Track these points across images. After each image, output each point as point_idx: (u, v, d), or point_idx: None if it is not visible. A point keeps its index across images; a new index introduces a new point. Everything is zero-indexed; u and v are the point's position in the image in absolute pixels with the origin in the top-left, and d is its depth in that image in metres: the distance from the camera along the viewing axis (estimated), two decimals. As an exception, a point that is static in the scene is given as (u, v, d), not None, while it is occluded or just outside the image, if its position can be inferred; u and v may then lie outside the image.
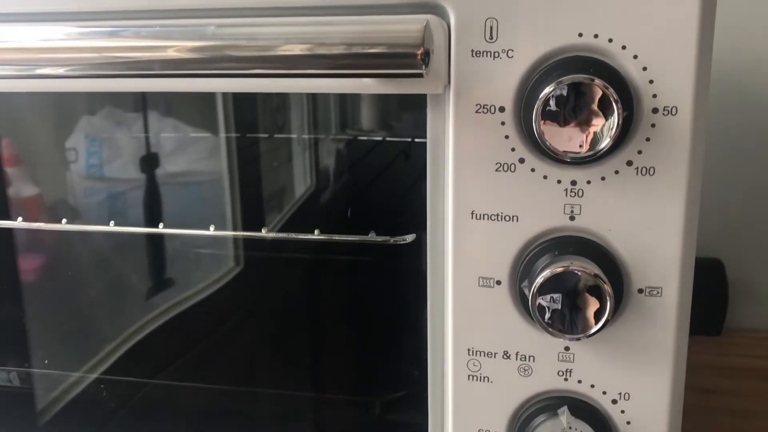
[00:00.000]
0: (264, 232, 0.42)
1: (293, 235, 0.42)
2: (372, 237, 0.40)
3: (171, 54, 0.32)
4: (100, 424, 0.48)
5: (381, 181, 0.48)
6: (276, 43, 0.30)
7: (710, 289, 0.72)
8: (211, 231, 0.45)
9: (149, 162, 0.50)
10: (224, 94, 0.48)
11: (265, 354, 0.48)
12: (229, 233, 0.49)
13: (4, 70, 0.35)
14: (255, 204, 0.50)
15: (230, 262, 0.51)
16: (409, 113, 0.45)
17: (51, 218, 0.52)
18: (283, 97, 0.48)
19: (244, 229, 0.49)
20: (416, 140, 0.40)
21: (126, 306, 0.52)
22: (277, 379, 0.47)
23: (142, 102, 0.50)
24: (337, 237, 0.41)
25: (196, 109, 0.50)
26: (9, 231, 0.52)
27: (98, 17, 0.37)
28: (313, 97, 0.47)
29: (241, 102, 0.49)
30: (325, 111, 0.48)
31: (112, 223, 0.47)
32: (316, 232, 0.41)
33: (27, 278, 0.53)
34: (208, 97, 0.48)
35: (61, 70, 0.35)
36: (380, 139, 0.47)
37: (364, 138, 0.47)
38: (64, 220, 0.49)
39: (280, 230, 0.46)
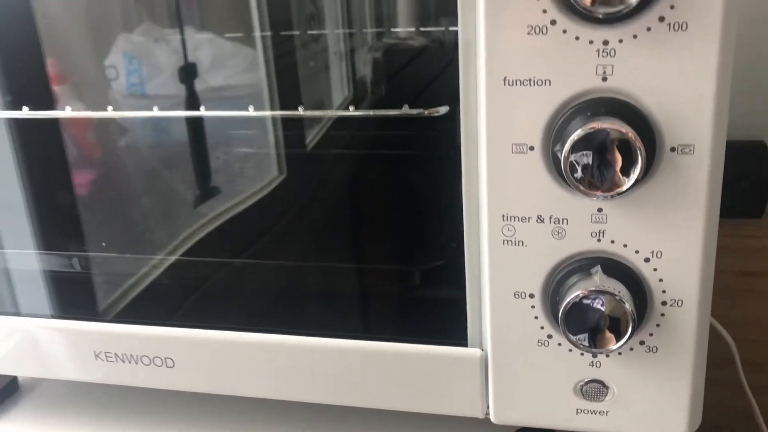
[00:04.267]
0: (301, 110, 0.43)
1: (334, 112, 0.43)
2: (406, 110, 0.41)
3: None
4: (171, 309, 0.51)
5: (415, 66, 0.48)
6: None
7: (753, 171, 0.72)
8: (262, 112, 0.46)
9: (189, 77, 0.51)
10: (259, 3, 0.48)
11: (313, 235, 0.50)
12: (273, 114, 0.49)
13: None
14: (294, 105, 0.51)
15: (279, 164, 0.52)
16: (439, 11, 0.45)
17: (97, 135, 0.53)
18: (316, 2, 0.48)
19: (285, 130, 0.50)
20: (450, 28, 0.40)
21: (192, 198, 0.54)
22: (325, 256, 0.49)
23: (177, 16, 0.50)
24: (372, 112, 0.42)
25: (231, 22, 0.51)
26: (61, 147, 0.54)
27: None
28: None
29: (276, 10, 0.49)
30: (360, 11, 0.48)
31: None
32: (351, 108, 0.42)
33: (83, 181, 0.56)
34: (243, 7, 0.48)
35: None
36: (413, 29, 0.47)
37: (399, 30, 0.47)
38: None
39: (324, 133, 0.47)
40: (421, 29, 0.46)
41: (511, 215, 0.38)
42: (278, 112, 0.47)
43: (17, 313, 0.52)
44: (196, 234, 0.52)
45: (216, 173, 0.53)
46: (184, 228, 0.52)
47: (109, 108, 0.50)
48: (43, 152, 0.54)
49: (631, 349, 0.39)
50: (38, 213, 0.54)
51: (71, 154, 0.54)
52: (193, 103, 0.50)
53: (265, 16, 0.48)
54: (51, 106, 0.52)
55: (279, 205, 0.51)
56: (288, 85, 0.49)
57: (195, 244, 0.51)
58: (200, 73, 0.50)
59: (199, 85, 0.50)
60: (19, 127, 0.52)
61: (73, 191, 0.55)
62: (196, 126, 0.50)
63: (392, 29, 0.46)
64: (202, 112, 0.47)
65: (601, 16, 0.33)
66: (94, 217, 0.55)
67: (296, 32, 0.49)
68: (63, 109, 0.51)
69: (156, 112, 0.48)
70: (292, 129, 0.50)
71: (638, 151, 0.33)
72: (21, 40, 0.51)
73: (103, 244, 0.52)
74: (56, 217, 0.55)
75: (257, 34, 0.49)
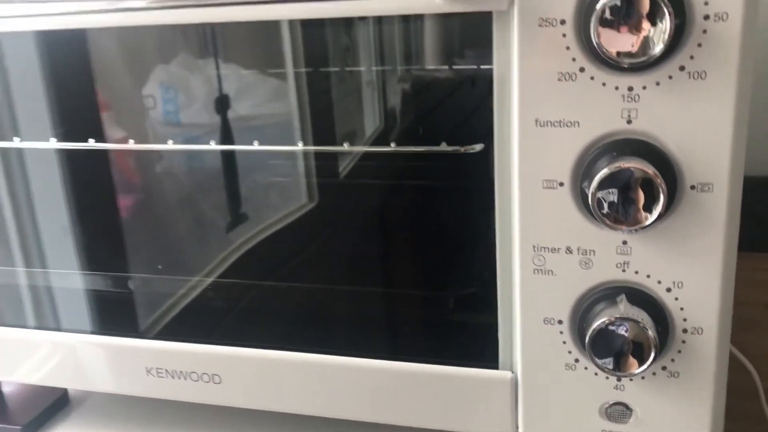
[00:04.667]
0: (346, 146, 0.47)
1: (373, 148, 0.47)
2: (443, 147, 0.44)
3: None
4: (209, 328, 0.54)
5: (448, 104, 0.51)
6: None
7: (773, 207, 0.74)
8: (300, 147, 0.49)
9: (222, 106, 0.54)
10: (293, 37, 0.51)
11: (348, 261, 0.53)
12: (308, 149, 0.53)
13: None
14: (328, 139, 0.54)
15: (310, 190, 0.55)
16: (471, 50, 0.48)
17: (137, 161, 0.57)
18: (350, 37, 0.51)
19: (318, 161, 0.53)
20: (482, 67, 0.43)
21: (227, 223, 0.57)
22: (361, 280, 0.52)
23: (213, 48, 0.54)
24: (412, 148, 0.45)
25: (264, 54, 0.54)
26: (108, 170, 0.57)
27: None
28: (380, 36, 0.50)
29: (310, 43, 0.52)
30: (390, 48, 0.51)
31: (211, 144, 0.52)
32: (393, 144, 0.45)
33: (126, 205, 0.59)
34: (276, 40, 0.52)
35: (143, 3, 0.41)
36: (446, 67, 0.50)
37: (431, 68, 0.50)
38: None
39: (356, 163, 0.50)
40: (454, 67, 0.49)
41: (541, 246, 0.41)
42: (317, 148, 0.50)
43: (71, 330, 0.56)
44: (234, 256, 0.55)
45: (247, 200, 0.56)
46: (220, 251, 0.55)
47: (148, 135, 0.54)
48: (88, 177, 0.58)
49: (654, 373, 0.41)
50: (85, 235, 0.58)
51: (114, 179, 0.58)
52: (226, 131, 0.53)
53: (299, 50, 0.52)
54: (99, 135, 0.55)
55: (312, 232, 0.55)
56: (321, 118, 0.53)
57: (236, 265, 0.55)
58: (232, 103, 0.53)
59: (231, 114, 0.54)
60: (67, 155, 0.56)
61: (118, 215, 0.58)
62: (228, 153, 0.54)
63: (425, 66, 0.49)
64: (250, 146, 0.51)
65: (626, 66, 0.36)
66: (138, 239, 0.58)
67: (332, 69, 0.53)
68: (104, 137, 0.55)
69: (200, 146, 0.51)
70: (325, 159, 0.53)
71: (660, 190, 0.36)
72: (76, 75, 0.55)
73: (159, 266, 0.55)
74: (103, 240, 0.59)
75: (289, 69, 0.52)
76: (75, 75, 0.56)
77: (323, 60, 0.52)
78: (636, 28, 0.34)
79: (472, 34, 0.46)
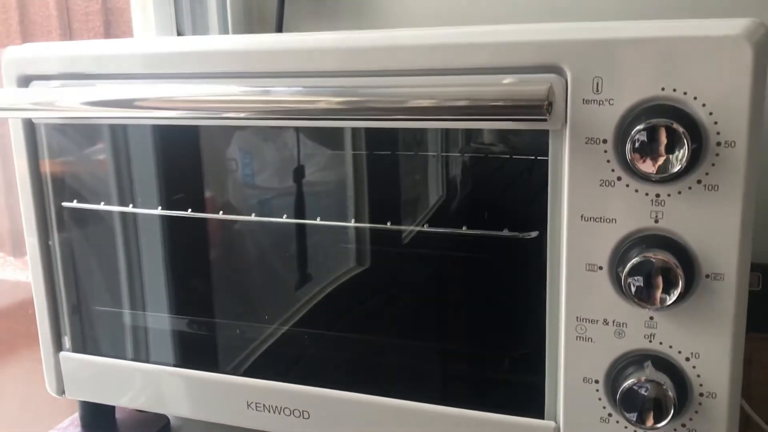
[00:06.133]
0: (426, 227, 0.57)
1: (445, 230, 0.57)
2: (506, 233, 0.54)
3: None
4: (279, 373, 0.64)
5: (507, 192, 0.60)
6: (447, 97, 0.46)
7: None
8: (388, 225, 0.59)
9: (294, 173, 0.63)
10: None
11: (419, 322, 0.63)
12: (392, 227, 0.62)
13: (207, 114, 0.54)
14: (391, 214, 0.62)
15: (375, 254, 0.65)
16: (529, 137, 0.57)
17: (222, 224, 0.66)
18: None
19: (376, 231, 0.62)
20: (538, 158, 0.53)
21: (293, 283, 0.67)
22: (433, 338, 0.62)
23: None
24: (479, 231, 0.55)
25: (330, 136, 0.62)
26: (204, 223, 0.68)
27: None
28: (446, 138, 0.59)
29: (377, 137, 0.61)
30: (456, 136, 0.60)
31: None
32: (464, 227, 0.55)
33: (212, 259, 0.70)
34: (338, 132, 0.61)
35: (242, 114, 0.54)
36: (508, 156, 0.59)
37: (493, 156, 0.59)
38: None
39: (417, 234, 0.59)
40: (514, 156, 0.58)
41: (583, 317, 0.50)
42: (396, 227, 0.60)
43: (185, 366, 0.66)
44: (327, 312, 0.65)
45: (312, 260, 0.65)
46: (288, 302, 0.65)
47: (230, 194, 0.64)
48: (183, 238, 0.69)
49: (675, 429, 0.49)
50: (190, 286, 0.69)
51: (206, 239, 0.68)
52: (297, 195, 0.63)
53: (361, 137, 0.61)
54: (200, 205, 0.67)
55: (373, 296, 0.64)
56: (384, 197, 0.62)
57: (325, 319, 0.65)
58: (303, 168, 0.62)
59: (301, 179, 0.62)
60: (169, 218, 0.67)
61: (210, 271, 0.69)
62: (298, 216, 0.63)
63: (488, 155, 0.58)
64: (315, 221, 0.60)
65: (654, 179, 0.45)
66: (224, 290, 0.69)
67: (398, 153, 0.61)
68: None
69: (282, 219, 0.62)
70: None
71: (678, 277, 0.45)
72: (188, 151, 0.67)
73: (266, 317, 0.66)
74: (198, 288, 0.70)
75: (348, 151, 0.61)
76: (190, 153, 0.67)
77: (390, 144, 0.61)
78: (664, 152, 0.44)
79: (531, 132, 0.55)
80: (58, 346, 0.69)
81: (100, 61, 0.61)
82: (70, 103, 0.58)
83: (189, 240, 0.69)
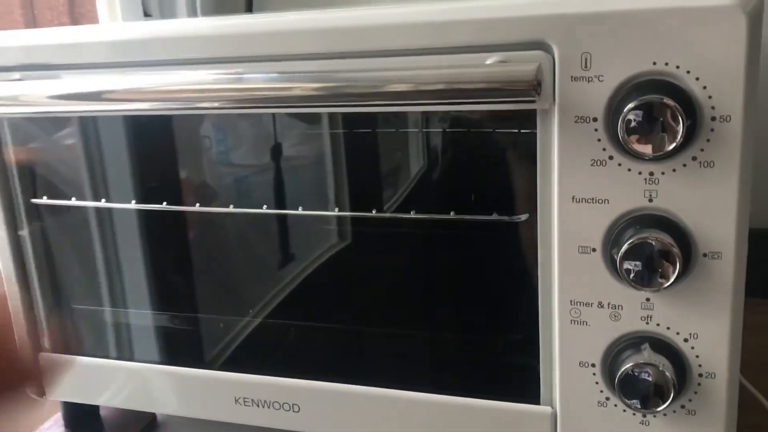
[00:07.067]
0: (412, 214, 0.55)
1: (432, 216, 0.55)
2: (495, 216, 0.52)
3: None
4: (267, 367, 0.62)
5: (494, 171, 0.58)
6: (429, 80, 0.43)
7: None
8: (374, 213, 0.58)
9: (272, 150, 0.60)
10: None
11: (413, 308, 0.61)
12: (386, 215, 0.61)
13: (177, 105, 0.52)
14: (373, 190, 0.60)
15: (359, 237, 0.63)
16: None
17: (195, 198, 0.63)
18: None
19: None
20: (523, 131, 0.51)
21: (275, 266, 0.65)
22: (426, 325, 0.60)
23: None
24: (467, 216, 0.53)
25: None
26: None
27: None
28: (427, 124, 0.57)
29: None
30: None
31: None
32: (452, 213, 0.53)
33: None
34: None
35: (216, 104, 0.51)
36: (491, 130, 0.57)
37: (476, 130, 0.57)
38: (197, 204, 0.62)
39: (396, 210, 0.57)
40: (497, 130, 0.56)
41: (577, 301, 0.49)
42: (381, 215, 0.59)
43: (170, 363, 0.64)
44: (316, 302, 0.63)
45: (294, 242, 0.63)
46: (270, 290, 0.63)
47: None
48: (160, 226, 0.66)
49: (674, 411, 0.48)
50: (171, 281, 0.67)
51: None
52: (272, 170, 0.61)
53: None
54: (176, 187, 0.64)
55: (360, 282, 0.62)
56: (364, 175, 0.60)
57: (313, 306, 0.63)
58: (278, 143, 0.60)
59: (277, 155, 0.60)
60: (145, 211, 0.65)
61: (190, 259, 0.67)
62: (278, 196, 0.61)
63: (472, 129, 0.56)
64: (294, 211, 0.58)
65: (647, 157, 0.44)
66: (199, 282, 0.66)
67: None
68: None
69: (264, 210, 0.59)
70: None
71: (676, 258, 0.44)
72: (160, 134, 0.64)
73: (250, 309, 0.64)
74: (179, 283, 0.68)
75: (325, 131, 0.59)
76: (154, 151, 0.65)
77: (368, 122, 0.59)
78: (658, 130, 0.42)
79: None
80: (38, 347, 0.67)
81: (63, 51, 0.58)
82: (35, 97, 0.55)
83: (166, 228, 0.66)
